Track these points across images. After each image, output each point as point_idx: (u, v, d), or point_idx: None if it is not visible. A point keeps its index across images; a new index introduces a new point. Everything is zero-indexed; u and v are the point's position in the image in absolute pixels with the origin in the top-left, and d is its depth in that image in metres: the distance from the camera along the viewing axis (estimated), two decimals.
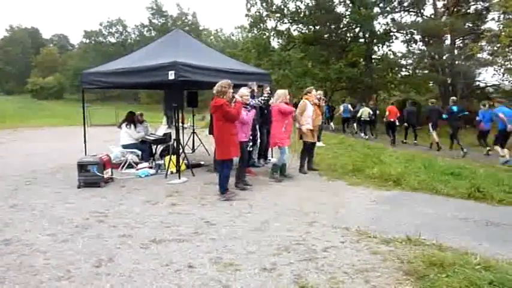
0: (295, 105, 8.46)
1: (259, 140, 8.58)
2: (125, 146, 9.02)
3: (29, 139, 15.60)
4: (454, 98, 13.50)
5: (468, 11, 25.66)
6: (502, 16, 20.04)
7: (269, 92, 8.88)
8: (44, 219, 5.17)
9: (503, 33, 16.09)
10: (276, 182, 7.34)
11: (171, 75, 7.13)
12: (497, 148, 10.80)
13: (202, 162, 9.14)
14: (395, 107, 16.00)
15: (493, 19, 23.03)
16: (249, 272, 3.52)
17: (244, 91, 6.71)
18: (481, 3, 24.91)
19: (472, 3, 25.81)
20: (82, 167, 7.04)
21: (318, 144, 11.99)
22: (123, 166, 8.61)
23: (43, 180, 7.75)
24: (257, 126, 8.02)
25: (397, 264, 3.63)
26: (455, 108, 12.70)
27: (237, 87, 6.77)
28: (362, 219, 5.06)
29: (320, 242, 4.25)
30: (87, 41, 65.95)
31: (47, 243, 4.25)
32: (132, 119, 9.30)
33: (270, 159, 9.48)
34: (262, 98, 7.60)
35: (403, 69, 28.13)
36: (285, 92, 7.71)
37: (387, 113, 15.38)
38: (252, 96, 7.41)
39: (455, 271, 3.32)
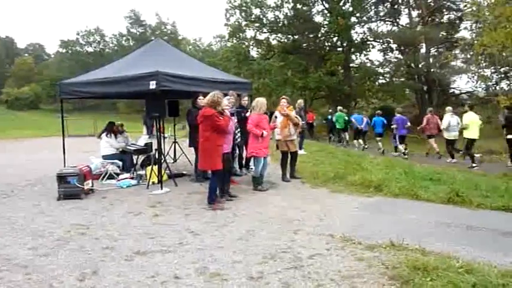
0: (271, 115, 8.43)
1: (237, 149, 8.57)
2: (105, 157, 8.90)
3: (4, 150, 15.21)
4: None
5: (442, 20, 26.52)
6: (474, 25, 20.72)
7: (246, 101, 8.94)
8: (24, 232, 5.04)
9: (476, 42, 16.61)
10: (262, 191, 7.32)
11: (153, 84, 7.08)
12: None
13: (184, 172, 9.08)
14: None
15: (465, 28, 23.86)
16: (236, 281, 3.51)
17: (224, 101, 6.70)
18: (454, 13, 25.77)
19: (446, 13, 26.71)
20: (62, 178, 6.89)
21: (300, 152, 12.08)
22: (103, 177, 8.48)
23: (21, 192, 7.57)
24: (237, 135, 7.99)
25: (382, 269, 3.68)
26: None
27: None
28: (346, 226, 5.11)
29: (306, 249, 4.27)
30: (64, 50, 64.95)
31: (27, 258, 4.14)
32: (112, 129, 9.19)
33: (252, 168, 9.48)
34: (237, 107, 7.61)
35: (381, 77, 28.81)
36: (264, 102, 7.64)
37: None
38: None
39: (438, 275, 3.39)
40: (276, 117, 8.18)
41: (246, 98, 9.05)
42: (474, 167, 10.62)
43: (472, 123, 11.18)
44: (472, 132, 11.11)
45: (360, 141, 16.64)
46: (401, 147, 13.94)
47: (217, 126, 5.92)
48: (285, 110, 8.15)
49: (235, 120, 7.51)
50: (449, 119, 12.01)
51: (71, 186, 6.88)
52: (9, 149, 15.68)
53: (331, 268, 3.76)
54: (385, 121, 15.57)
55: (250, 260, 4.01)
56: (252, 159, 9.24)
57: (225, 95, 7.43)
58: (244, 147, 8.97)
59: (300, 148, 12.50)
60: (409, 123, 14.27)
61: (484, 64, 21.66)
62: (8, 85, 59.55)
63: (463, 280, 3.27)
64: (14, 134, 23.35)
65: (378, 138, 15.68)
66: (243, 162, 9.39)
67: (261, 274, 3.64)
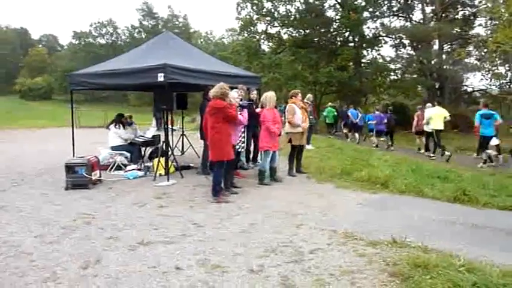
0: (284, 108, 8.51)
1: (245, 142, 8.59)
2: (113, 148, 8.98)
3: (16, 140, 15.45)
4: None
5: (456, 16, 26.09)
6: (489, 22, 20.41)
7: (255, 95, 8.96)
8: (31, 220, 5.13)
9: (490, 39, 16.38)
10: (269, 185, 7.34)
11: (161, 77, 7.12)
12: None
13: (191, 165, 9.12)
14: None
15: (480, 25, 23.53)
16: (236, 273, 3.54)
17: (233, 94, 6.75)
18: (468, 9, 25.36)
19: (460, 9, 26.28)
20: (70, 168, 6.99)
21: (308, 147, 12.06)
22: (111, 168, 8.57)
23: (30, 181, 7.69)
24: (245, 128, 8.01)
25: (382, 266, 3.68)
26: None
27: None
28: (349, 222, 5.10)
29: (307, 244, 4.28)
30: (77, 42, 65.49)
31: (33, 245, 4.23)
32: (121, 121, 9.28)
33: (259, 162, 9.50)
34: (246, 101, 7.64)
35: (392, 73, 28.47)
36: (273, 95, 7.67)
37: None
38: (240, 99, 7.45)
39: (439, 273, 3.37)
40: (294, 112, 8.07)
41: (255, 92, 9.07)
42: (449, 156, 11.90)
43: (436, 116, 12.58)
44: (436, 124, 12.51)
45: (356, 135, 17.40)
46: (375, 139, 15.73)
47: (230, 116, 6.04)
48: (304, 104, 8.30)
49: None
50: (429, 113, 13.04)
51: (79, 176, 6.97)
52: (21, 139, 15.89)
53: (332, 263, 3.77)
54: (392, 118, 16.24)
55: (251, 252, 4.03)
56: (260, 154, 9.30)
57: (234, 88, 7.47)
58: (252, 141, 8.99)
59: (308, 143, 12.49)
60: (386, 120, 15.69)
61: (498, 62, 21.38)
62: (21, 75, 60.40)
63: (464, 279, 3.25)
64: (26, 124, 23.65)
65: (371, 134, 16.65)
66: (251, 156, 9.41)
67: (261, 267, 3.67)
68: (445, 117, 12.59)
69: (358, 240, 4.39)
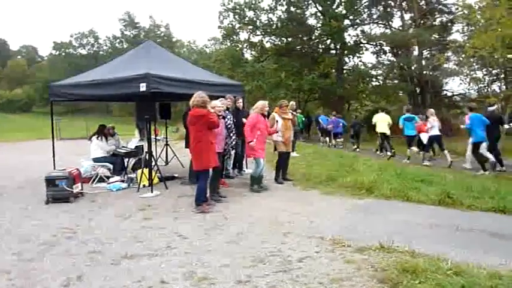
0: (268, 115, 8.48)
1: (233, 151, 8.54)
2: (95, 160, 8.81)
3: None
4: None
5: (434, 23, 26.58)
6: (466, 28, 20.85)
7: (241, 103, 8.98)
8: (9, 236, 4.97)
9: (467, 44, 16.71)
10: (254, 193, 7.31)
11: (143, 87, 7.04)
12: None
13: (175, 175, 9.01)
14: None
15: (457, 31, 23.96)
16: (224, 285, 3.47)
17: (216, 102, 6.71)
18: (446, 15, 25.88)
19: (438, 15, 26.80)
20: (50, 181, 6.80)
21: (292, 154, 12.05)
22: (93, 180, 8.39)
23: (9, 195, 7.48)
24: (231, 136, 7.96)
25: (371, 272, 3.65)
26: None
27: (211, 98, 6.76)
28: (336, 228, 5.08)
29: (295, 252, 4.23)
30: (57, 52, 64.64)
31: (11, 263, 4.07)
32: (103, 132, 9.12)
33: (244, 170, 9.45)
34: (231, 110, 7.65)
35: (374, 80, 28.82)
36: (263, 103, 7.69)
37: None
38: (226, 109, 7.45)
39: (427, 277, 3.37)
40: (276, 120, 8.11)
41: (240, 101, 9.07)
42: (390, 156, 13.15)
43: (379, 121, 14.30)
44: (381, 128, 14.13)
45: (327, 139, 19.20)
46: (333, 141, 18.51)
47: (212, 123, 5.99)
48: (288, 114, 8.27)
49: (229, 122, 7.48)
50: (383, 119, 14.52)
51: (60, 190, 6.79)
52: (0, 152, 15.50)
53: (320, 271, 3.72)
54: (345, 123, 19.14)
55: (238, 263, 3.96)
56: (245, 162, 9.27)
57: (220, 97, 7.45)
58: (240, 149, 8.95)
59: (292, 150, 12.49)
60: (341, 124, 18.48)
61: (476, 66, 21.81)
62: (0, 87, 59.20)
63: (452, 282, 3.26)
64: (6, 137, 23.14)
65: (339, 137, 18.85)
66: (237, 163, 9.36)
67: (249, 278, 3.60)
68: (388, 123, 14.11)
69: (345, 247, 4.36)
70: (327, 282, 3.49)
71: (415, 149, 12.60)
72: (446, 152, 11.58)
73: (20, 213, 6.15)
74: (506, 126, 10.60)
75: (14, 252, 4.38)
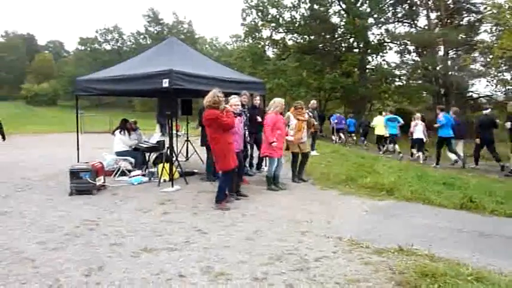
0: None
1: (249, 148, 8.57)
2: (118, 153, 8.98)
3: (21, 146, 15.48)
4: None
5: (461, 22, 25.99)
6: (494, 28, 20.31)
7: (258, 100, 8.95)
8: (34, 226, 5.12)
9: (495, 45, 16.31)
10: (272, 191, 7.31)
11: (165, 83, 7.12)
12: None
13: (196, 171, 9.10)
14: None
15: (485, 31, 23.32)
16: (240, 281, 3.50)
17: (234, 100, 6.69)
18: (473, 15, 25.26)
19: (465, 15, 26.19)
20: (74, 174, 6.98)
21: (312, 153, 12.02)
22: (116, 173, 8.56)
23: (35, 187, 7.68)
24: (247, 134, 7.97)
25: (388, 274, 3.62)
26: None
27: (229, 95, 6.79)
28: (355, 229, 5.05)
29: (312, 251, 4.23)
30: (83, 48, 65.87)
31: (36, 251, 4.20)
32: (125, 126, 9.28)
33: (263, 168, 9.47)
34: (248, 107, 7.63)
35: (397, 80, 28.38)
36: (281, 101, 7.65)
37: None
38: (242, 105, 7.42)
39: (446, 282, 3.32)
40: (288, 120, 8.08)
41: (258, 98, 9.04)
42: (385, 152, 14.89)
43: (378, 124, 15.65)
44: (378, 130, 15.59)
45: (339, 136, 20.28)
46: (336, 137, 19.80)
47: (225, 125, 5.90)
48: (304, 115, 8.19)
49: (244, 119, 7.50)
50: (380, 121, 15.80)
51: (83, 182, 6.96)
52: (25, 144, 15.93)
53: (337, 271, 3.71)
54: (355, 122, 20.35)
55: (255, 260, 3.99)
56: (264, 160, 9.27)
57: (237, 94, 7.45)
58: (255, 147, 8.98)
59: (312, 149, 12.45)
60: (344, 121, 20.15)
61: (503, 68, 21.26)
62: (28, 81, 60.80)
63: None
64: (32, 130, 23.76)
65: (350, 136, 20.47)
66: (253, 162, 9.38)
67: (265, 275, 3.62)
68: (384, 126, 15.07)
69: (363, 248, 4.34)
70: (344, 282, 3.48)
71: (393, 146, 14.76)
72: (420, 153, 12.65)
73: (44, 204, 6.32)
74: (507, 125, 10.52)
75: (38, 242, 4.51)
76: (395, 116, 14.86)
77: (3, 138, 10.77)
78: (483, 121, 11.41)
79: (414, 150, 13.11)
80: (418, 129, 12.54)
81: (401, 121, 14.53)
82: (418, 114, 13.28)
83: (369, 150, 16.12)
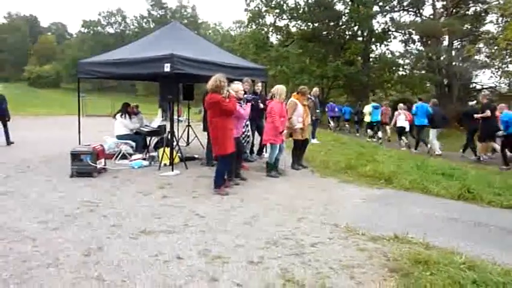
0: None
1: (251, 135, 8.59)
2: (119, 137, 9.03)
3: (23, 127, 15.54)
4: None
5: (467, 12, 25.71)
6: (500, 19, 20.12)
7: (260, 87, 8.93)
8: (35, 207, 5.18)
9: (500, 36, 16.17)
10: (271, 178, 7.36)
11: (167, 67, 7.12)
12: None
13: (196, 156, 9.15)
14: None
15: (491, 22, 23.14)
16: (237, 264, 3.56)
17: (238, 86, 6.68)
18: (480, 5, 24.96)
19: (471, 5, 25.87)
20: (75, 156, 7.03)
21: (313, 141, 12.05)
22: (116, 157, 8.62)
23: (36, 168, 7.75)
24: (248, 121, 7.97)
25: (383, 261, 3.68)
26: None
27: (232, 81, 6.78)
28: (351, 217, 5.10)
29: (308, 237, 4.28)
30: (86, 30, 65.60)
31: (36, 231, 4.27)
32: (127, 110, 9.31)
33: (264, 154, 9.50)
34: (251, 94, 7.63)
35: (400, 69, 28.22)
36: (283, 88, 7.61)
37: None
38: (244, 92, 7.41)
39: (439, 269, 3.36)
40: (296, 107, 8.06)
41: (260, 85, 9.03)
42: (374, 140, 16.09)
43: (367, 111, 16.75)
44: (367, 117, 16.84)
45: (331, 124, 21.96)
46: (332, 124, 21.80)
47: (225, 110, 5.89)
48: (308, 100, 8.25)
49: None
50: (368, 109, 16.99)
51: (84, 164, 7.02)
52: (27, 126, 16.01)
53: (332, 257, 3.77)
54: (352, 110, 21.47)
55: (252, 244, 4.04)
56: (265, 146, 9.31)
57: (239, 80, 7.44)
58: (256, 133, 9.00)
59: (313, 137, 12.48)
60: (336, 109, 22.07)
61: (508, 59, 21.12)
62: (30, 63, 60.70)
63: (464, 276, 3.24)
64: (34, 111, 23.80)
65: (346, 123, 22.40)
66: (254, 148, 9.41)
67: (261, 259, 3.68)
68: (370, 112, 16.57)
69: (359, 235, 4.39)
70: (338, 267, 3.53)
71: (370, 131, 16.88)
72: (402, 140, 13.70)
73: (45, 185, 6.39)
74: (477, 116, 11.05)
75: (38, 222, 4.57)
76: (377, 105, 16.78)
77: (8, 118, 10.84)
78: (468, 112, 12.09)
79: (404, 138, 13.99)
80: (401, 118, 13.75)
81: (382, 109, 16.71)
82: (401, 105, 14.52)
83: (361, 137, 17.40)
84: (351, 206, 5.70)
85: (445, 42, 26.20)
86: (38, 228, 4.37)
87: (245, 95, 7.13)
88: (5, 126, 11.05)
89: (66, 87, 54.51)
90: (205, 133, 8.22)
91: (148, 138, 9.48)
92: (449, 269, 3.37)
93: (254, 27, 30.53)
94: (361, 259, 3.73)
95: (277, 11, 28.55)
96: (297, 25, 29.78)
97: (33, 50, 65.55)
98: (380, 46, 28.90)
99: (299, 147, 8.29)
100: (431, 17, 26.85)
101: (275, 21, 29.65)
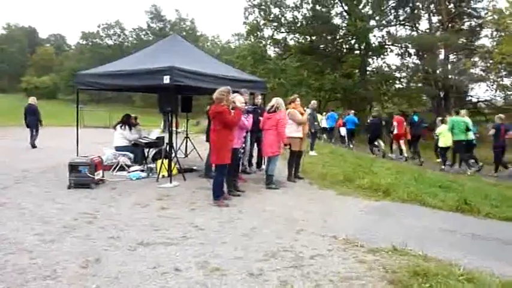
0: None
1: (248, 147, 8.61)
2: (118, 148, 9.03)
3: (20, 138, 15.49)
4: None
5: (462, 27, 26.03)
6: (495, 33, 20.39)
7: (260, 99, 8.99)
8: (32, 218, 5.15)
9: (495, 50, 16.37)
10: (270, 190, 7.36)
11: (166, 79, 7.15)
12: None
13: (194, 167, 9.14)
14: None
15: (486, 36, 23.41)
16: (236, 277, 3.54)
17: (241, 98, 6.72)
18: (475, 20, 25.30)
19: (466, 19, 26.22)
20: (73, 167, 7.02)
21: (311, 153, 12.09)
22: (114, 168, 8.60)
23: (33, 179, 7.72)
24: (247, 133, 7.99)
25: (381, 273, 3.67)
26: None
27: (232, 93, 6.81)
28: (350, 229, 5.10)
29: (307, 249, 4.28)
30: (84, 42, 65.88)
31: (34, 243, 4.24)
32: (127, 121, 9.33)
33: (263, 167, 9.50)
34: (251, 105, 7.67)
35: (397, 82, 28.43)
36: (281, 100, 7.71)
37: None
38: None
39: (438, 281, 3.37)
40: (295, 117, 8.09)
41: (260, 97, 9.08)
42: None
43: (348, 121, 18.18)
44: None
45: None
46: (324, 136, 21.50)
47: (227, 121, 5.97)
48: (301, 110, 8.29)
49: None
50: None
51: (82, 176, 6.99)
52: (25, 137, 15.95)
53: (331, 269, 3.76)
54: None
55: (251, 256, 4.03)
56: (263, 159, 9.33)
57: (237, 92, 7.48)
58: (255, 145, 9.01)
59: (312, 149, 12.51)
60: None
61: (503, 73, 21.33)
62: (28, 74, 60.71)
63: None
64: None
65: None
66: (253, 160, 9.41)
67: (260, 271, 3.67)
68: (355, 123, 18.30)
69: (358, 247, 4.39)
70: (337, 280, 3.53)
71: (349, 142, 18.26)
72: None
73: (43, 196, 6.36)
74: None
75: (36, 233, 4.54)
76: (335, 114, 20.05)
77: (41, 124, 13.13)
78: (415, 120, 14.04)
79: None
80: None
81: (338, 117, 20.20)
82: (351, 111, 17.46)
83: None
84: (350, 218, 5.71)
85: (441, 56, 26.49)
86: (35, 239, 4.34)
87: (246, 107, 7.17)
88: (36, 131, 12.97)
89: (63, 98, 54.46)
90: (205, 144, 8.25)
91: (146, 150, 9.47)
92: (448, 281, 3.37)
93: (252, 39, 30.78)
94: (360, 271, 3.73)
95: (275, 24, 28.83)
96: (294, 38, 30.04)
97: (32, 61, 65.66)
98: (377, 59, 29.16)
99: (294, 159, 8.29)
100: (428, 31, 27.17)
101: (273, 34, 29.92)
